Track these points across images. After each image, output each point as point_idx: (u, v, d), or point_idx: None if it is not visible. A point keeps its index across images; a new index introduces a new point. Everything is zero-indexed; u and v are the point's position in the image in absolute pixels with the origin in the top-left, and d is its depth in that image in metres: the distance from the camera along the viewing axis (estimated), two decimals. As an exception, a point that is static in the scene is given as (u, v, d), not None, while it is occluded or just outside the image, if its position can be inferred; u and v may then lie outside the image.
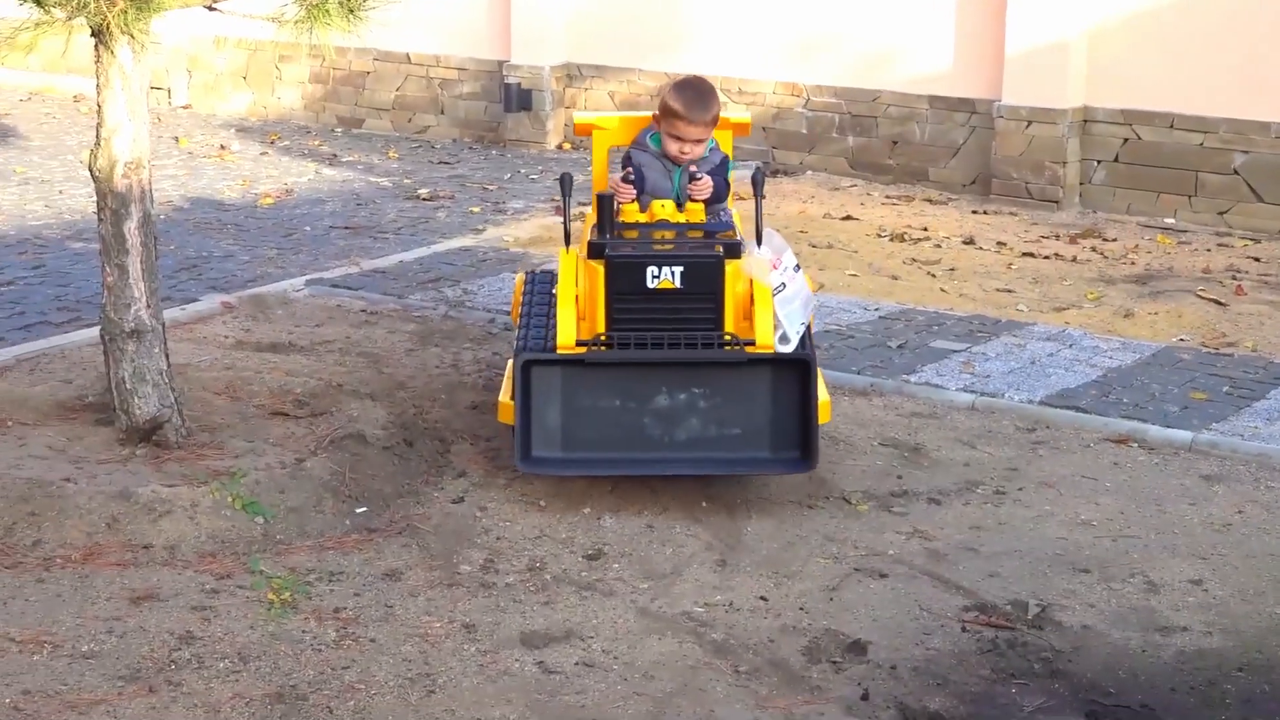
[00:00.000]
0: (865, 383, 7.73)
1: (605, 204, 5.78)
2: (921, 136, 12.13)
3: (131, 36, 6.06)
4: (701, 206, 5.95)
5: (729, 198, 6.41)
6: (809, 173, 12.47)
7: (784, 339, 5.63)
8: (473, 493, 6.52)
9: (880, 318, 8.88)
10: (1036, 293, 9.53)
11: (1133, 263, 10.30)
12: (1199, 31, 10.99)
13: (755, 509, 6.23)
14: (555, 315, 5.75)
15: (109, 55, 6.14)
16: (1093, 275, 10.01)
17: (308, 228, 10.72)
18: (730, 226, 6.00)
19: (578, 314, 5.59)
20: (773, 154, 12.62)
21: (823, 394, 5.94)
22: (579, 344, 5.54)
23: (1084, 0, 11.28)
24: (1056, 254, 10.46)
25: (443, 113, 13.86)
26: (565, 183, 6.06)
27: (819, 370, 5.89)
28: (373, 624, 5.45)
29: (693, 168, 6.05)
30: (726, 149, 6.52)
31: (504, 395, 5.95)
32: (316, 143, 13.58)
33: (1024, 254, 10.44)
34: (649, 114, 6.44)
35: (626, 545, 5.97)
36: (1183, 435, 7.12)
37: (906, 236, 10.75)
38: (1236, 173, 10.98)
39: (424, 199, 11.64)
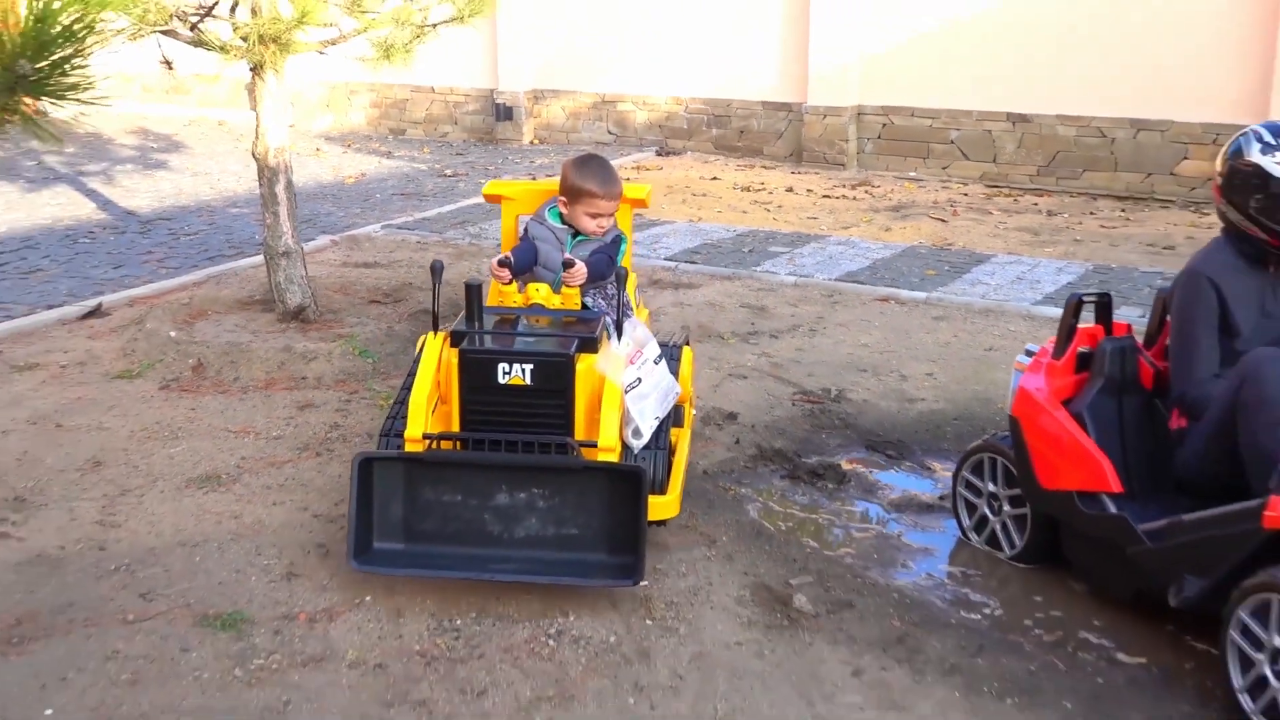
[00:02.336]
0: (729, 272, 7.89)
1: (473, 293, 3.97)
2: (758, 127, 12.22)
3: (275, 70, 6.21)
4: (577, 291, 4.21)
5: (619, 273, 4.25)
6: (688, 153, 12.52)
7: (636, 433, 3.99)
8: None
9: (736, 235, 9.02)
10: (832, 219, 9.65)
11: (890, 200, 10.40)
12: (928, 55, 11.05)
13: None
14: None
15: (262, 81, 6.22)
16: (865, 207, 10.12)
17: (377, 195, 10.81)
18: (600, 314, 4.16)
19: (440, 398, 3.96)
20: (666, 142, 12.68)
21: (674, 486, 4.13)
22: (427, 437, 3.83)
23: (856, 37, 11.33)
24: (843, 195, 10.57)
25: (456, 123, 13.89)
26: (436, 271, 4.12)
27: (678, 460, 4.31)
28: None
29: (567, 255, 4.26)
30: (625, 225, 4.69)
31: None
32: (376, 145, 13.56)
33: (824, 196, 10.55)
34: (552, 184, 4.62)
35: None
36: (920, 295, 7.33)
37: (750, 188, 10.84)
38: (953, 142, 11.18)
39: (448, 175, 11.72)
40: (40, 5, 1.93)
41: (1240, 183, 3.80)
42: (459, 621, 3.72)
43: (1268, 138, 3.79)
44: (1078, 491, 3.86)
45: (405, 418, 3.92)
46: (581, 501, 3.78)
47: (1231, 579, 3.33)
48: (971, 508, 4.36)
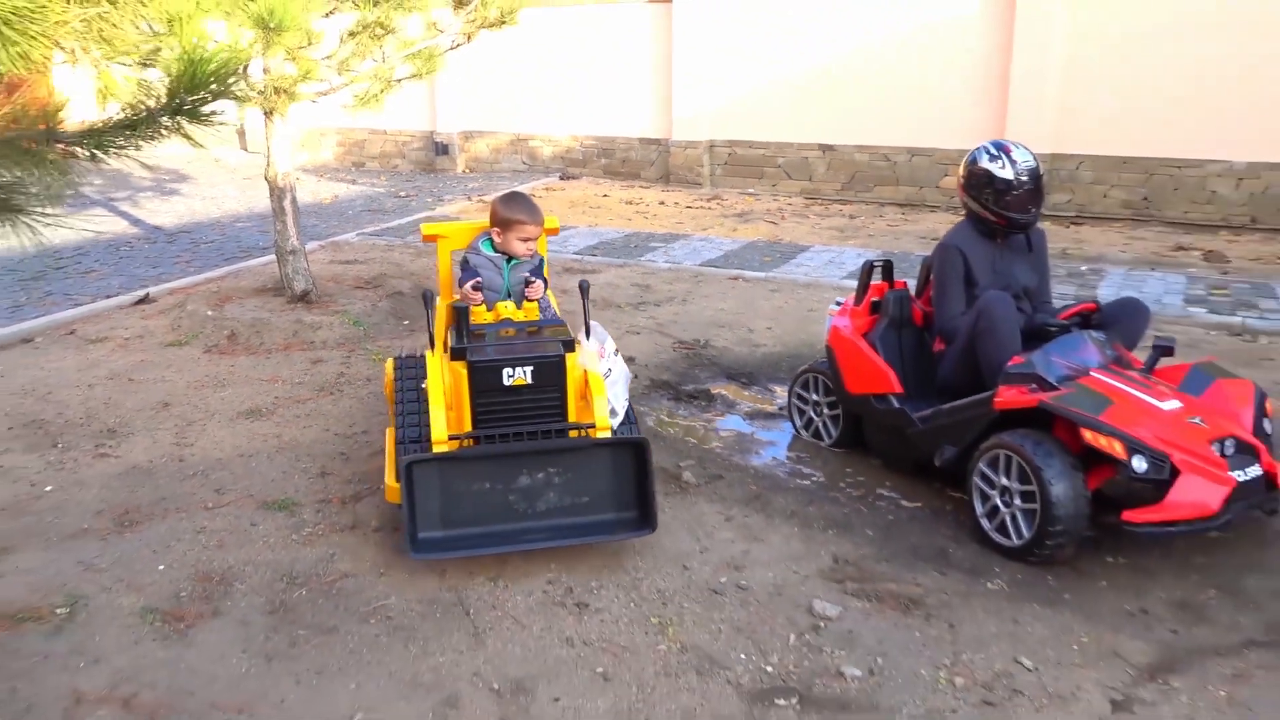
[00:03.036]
0: (620, 261, 8.12)
1: (461, 314, 3.71)
2: (636, 157, 12.43)
3: (282, 114, 6.39)
4: (536, 304, 3.97)
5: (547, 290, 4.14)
6: (584, 177, 12.69)
7: (613, 413, 3.83)
8: None
9: (625, 235, 9.22)
10: (694, 223, 9.87)
11: (735, 209, 10.63)
12: (760, 102, 11.33)
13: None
14: (426, 409, 3.72)
15: (271, 123, 6.43)
16: (718, 215, 10.33)
17: (349, 211, 10.78)
18: (559, 321, 3.89)
19: (446, 406, 3.62)
20: (567, 169, 12.86)
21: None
22: (454, 438, 3.56)
23: (709, 90, 11.60)
24: (701, 207, 10.75)
25: (404, 157, 13.90)
26: (428, 299, 3.90)
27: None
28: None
29: (526, 273, 4.03)
30: (542, 249, 4.24)
31: (389, 478, 3.75)
32: (343, 175, 13.45)
33: (687, 207, 10.72)
34: (479, 223, 4.28)
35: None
36: (760, 274, 7.63)
37: (633, 202, 11.01)
38: (780, 167, 11.53)
39: (402, 196, 11.75)
40: (194, 52, 2.22)
41: (975, 181, 4.29)
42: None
43: (993, 150, 4.29)
44: (873, 394, 4.34)
45: (419, 427, 3.76)
46: (591, 473, 3.54)
47: (974, 444, 3.83)
48: (801, 412, 4.80)
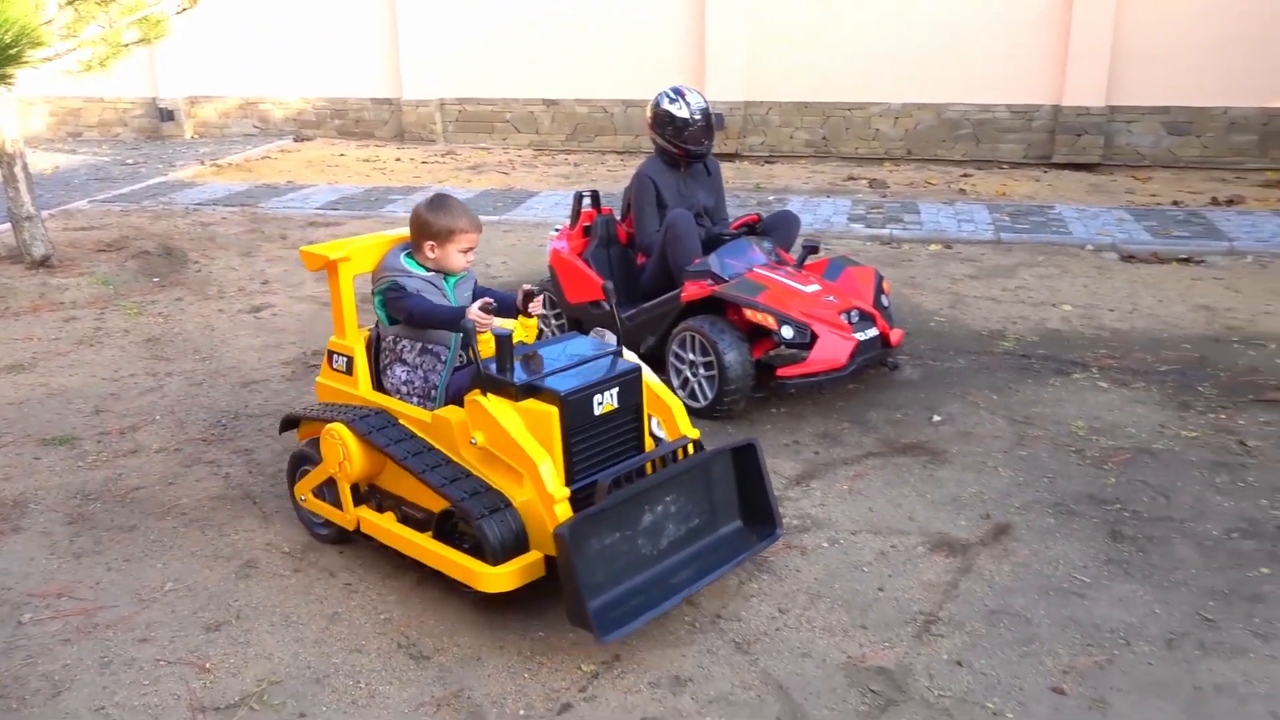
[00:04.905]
0: (363, 213, 8.40)
1: (505, 345, 2.94)
2: (370, 117, 12.40)
3: (9, 83, 6.31)
4: (536, 321, 3.56)
5: None
6: (318, 139, 12.58)
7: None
8: (210, 264, 7.07)
9: (365, 190, 9.40)
10: (431, 176, 10.18)
11: (469, 162, 11.00)
12: (487, 61, 11.69)
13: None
14: (470, 469, 3.01)
15: None
16: (453, 168, 10.66)
17: (75, 181, 10.31)
18: (574, 335, 3.40)
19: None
20: (300, 131, 12.72)
21: None
22: (578, 493, 2.93)
23: (438, 49, 11.79)
24: (437, 162, 11.00)
25: (126, 125, 13.32)
26: (469, 334, 3.03)
27: None
28: (179, 318, 6.05)
29: (528, 286, 3.29)
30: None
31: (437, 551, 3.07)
32: (60, 146, 12.76)
33: (423, 163, 10.95)
34: (379, 239, 3.48)
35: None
36: (496, 218, 8.12)
37: (370, 160, 11.11)
38: (508, 121, 11.91)
39: (129, 164, 11.33)
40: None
41: (659, 121, 5.13)
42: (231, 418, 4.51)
43: (672, 94, 5.14)
44: (589, 302, 5.12)
45: (479, 491, 2.95)
46: (695, 490, 3.07)
47: (668, 331, 4.68)
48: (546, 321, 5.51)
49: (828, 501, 3.78)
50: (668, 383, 4.63)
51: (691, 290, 4.60)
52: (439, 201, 3.31)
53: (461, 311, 3.12)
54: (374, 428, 3.17)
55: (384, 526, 3.21)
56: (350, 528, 3.31)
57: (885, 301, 4.89)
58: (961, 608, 3.10)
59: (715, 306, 4.60)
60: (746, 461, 3.15)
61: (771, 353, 4.59)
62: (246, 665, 2.93)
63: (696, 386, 4.53)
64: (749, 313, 4.45)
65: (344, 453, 3.19)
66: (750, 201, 8.53)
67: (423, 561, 3.12)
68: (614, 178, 10.05)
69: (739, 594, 3.18)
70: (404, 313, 3.24)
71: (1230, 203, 8.32)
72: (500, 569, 2.87)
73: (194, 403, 4.75)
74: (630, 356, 3.25)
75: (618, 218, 5.39)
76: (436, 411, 3.16)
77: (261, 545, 3.56)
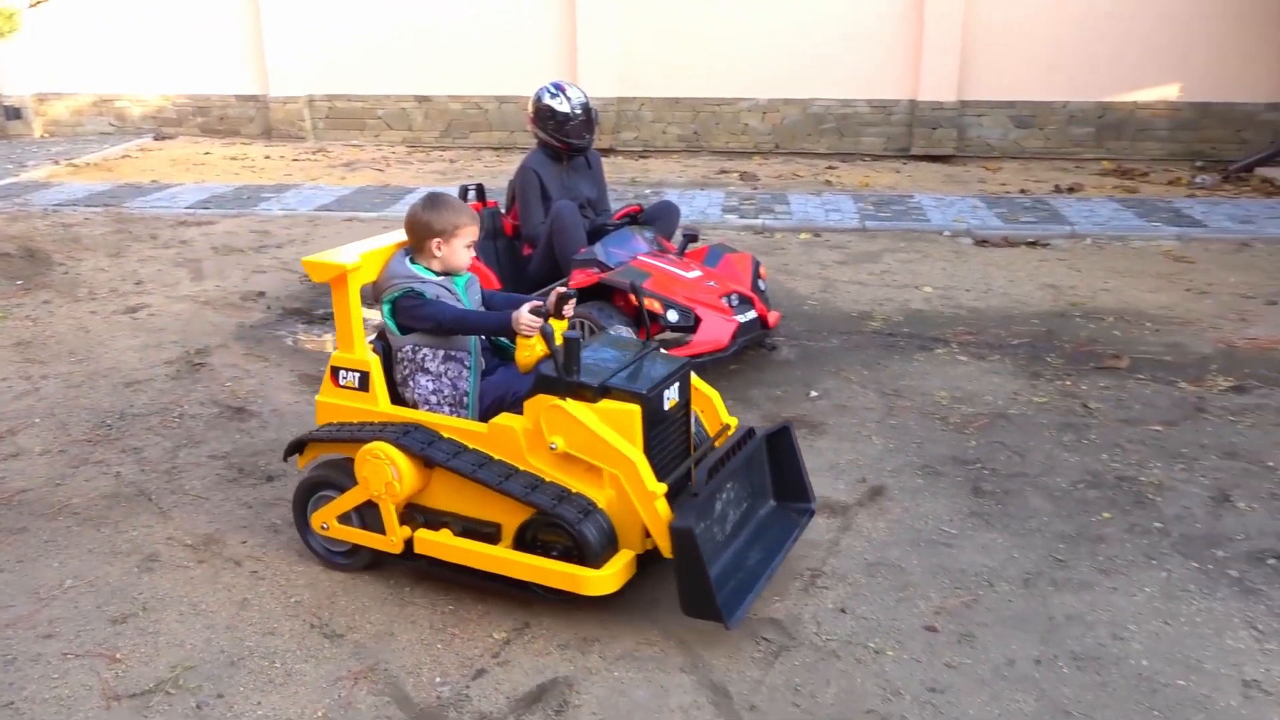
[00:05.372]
0: (236, 212, 8.25)
1: (574, 347, 2.88)
2: (235, 115, 12.12)
3: None
4: (566, 324, 3.27)
5: None
6: (180, 137, 12.21)
7: None
8: (83, 266, 6.86)
9: (235, 189, 9.20)
10: (303, 174, 10.01)
11: (342, 160, 10.84)
12: (357, 57, 11.59)
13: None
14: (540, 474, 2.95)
15: None
16: (325, 166, 10.48)
17: None
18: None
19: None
20: (161, 130, 12.39)
21: None
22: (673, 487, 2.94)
23: (305, 44, 11.58)
24: (308, 159, 10.86)
25: None
26: (571, 347, 2.89)
27: None
28: (48, 321, 5.89)
29: (561, 289, 3.23)
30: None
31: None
32: None
33: (294, 160, 10.80)
34: (389, 243, 3.29)
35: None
36: (374, 214, 8.11)
37: (238, 158, 10.87)
38: (380, 118, 11.80)
39: None
40: None
41: (541, 115, 5.27)
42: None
43: (553, 89, 5.29)
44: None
45: (565, 496, 2.91)
46: (749, 473, 3.19)
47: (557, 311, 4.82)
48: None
49: (716, 473, 3.99)
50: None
51: (579, 278, 4.76)
52: (435, 200, 3.20)
53: (508, 316, 3.03)
54: (425, 443, 2.99)
55: (449, 544, 3.02)
56: (396, 550, 3.09)
57: (762, 285, 5.16)
58: (843, 562, 3.36)
59: (602, 294, 4.77)
60: (781, 443, 3.26)
61: (657, 336, 4.79)
62: (158, 653, 2.96)
63: (587, 371, 4.69)
64: (635, 298, 4.62)
65: (394, 472, 2.98)
66: (628, 195, 8.74)
67: (500, 574, 2.98)
68: (491, 174, 10.10)
69: (638, 560, 3.37)
70: (429, 320, 3.10)
71: (1071, 190, 8.96)
72: (605, 572, 2.85)
73: (74, 404, 4.67)
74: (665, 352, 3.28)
75: (503, 211, 5.50)
76: (495, 421, 3.00)
77: (162, 539, 3.57)
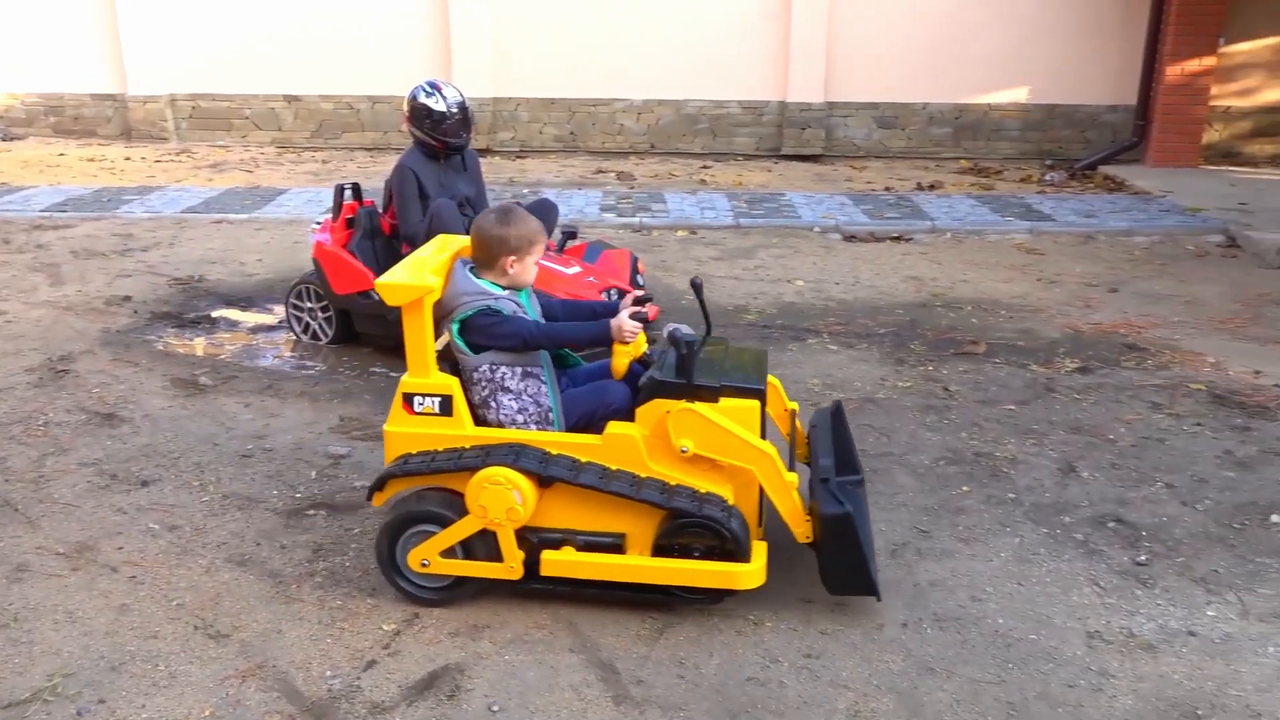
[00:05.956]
0: (96, 215, 7.93)
1: (694, 350, 2.94)
2: (91, 114, 11.62)
3: None
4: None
5: None
6: (30, 138, 11.66)
7: None
8: None
9: (94, 191, 8.83)
10: (167, 176, 9.68)
11: (208, 161, 10.53)
12: (223, 54, 11.26)
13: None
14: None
15: None
16: (190, 167, 10.20)
17: None
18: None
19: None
20: (8, 130, 11.81)
21: None
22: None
23: (166, 41, 11.21)
24: (172, 160, 10.52)
25: None
26: (684, 342, 2.94)
27: None
28: None
29: (639, 291, 3.44)
30: None
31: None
32: None
33: (156, 162, 10.38)
34: (445, 257, 3.13)
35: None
36: (244, 216, 7.92)
37: (95, 160, 10.45)
38: (248, 118, 11.50)
39: None
40: None
41: (417, 114, 5.28)
42: None
43: (428, 88, 5.31)
44: (358, 293, 5.20)
45: (701, 498, 2.95)
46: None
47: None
48: (299, 319, 5.51)
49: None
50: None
51: (460, 276, 4.79)
52: (510, 214, 3.09)
53: (605, 325, 3.04)
54: (543, 462, 2.92)
55: (582, 561, 2.97)
56: (516, 576, 3.00)
57: (641, 280, 5.30)
58: (723, 541, 3.50)
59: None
60: (837, 419, 3.35)
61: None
62: (33, 663, 2.89)
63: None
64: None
65: (517, 496, 2.88)
66: (505, 195, 8.78)
67: (643, 583, 2.98)
68: (365, 174, 9.98)
69: (526, 548, 3.45)
70: (514, 338, 3.00)
71: (932, 188, 9.41)
72: (756, 565, 2.92)
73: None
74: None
75: (380, 210, 5.48)
76: (610, 431, 2.96)
77: (31, 549, 3.47)
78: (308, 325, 5.47)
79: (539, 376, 3.09)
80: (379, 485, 3.08)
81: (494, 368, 3.06)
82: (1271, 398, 4.67)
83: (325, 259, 5.27)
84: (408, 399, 3.03)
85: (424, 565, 3.04)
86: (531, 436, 3.02)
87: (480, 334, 3.04)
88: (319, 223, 5.46)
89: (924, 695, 2.76)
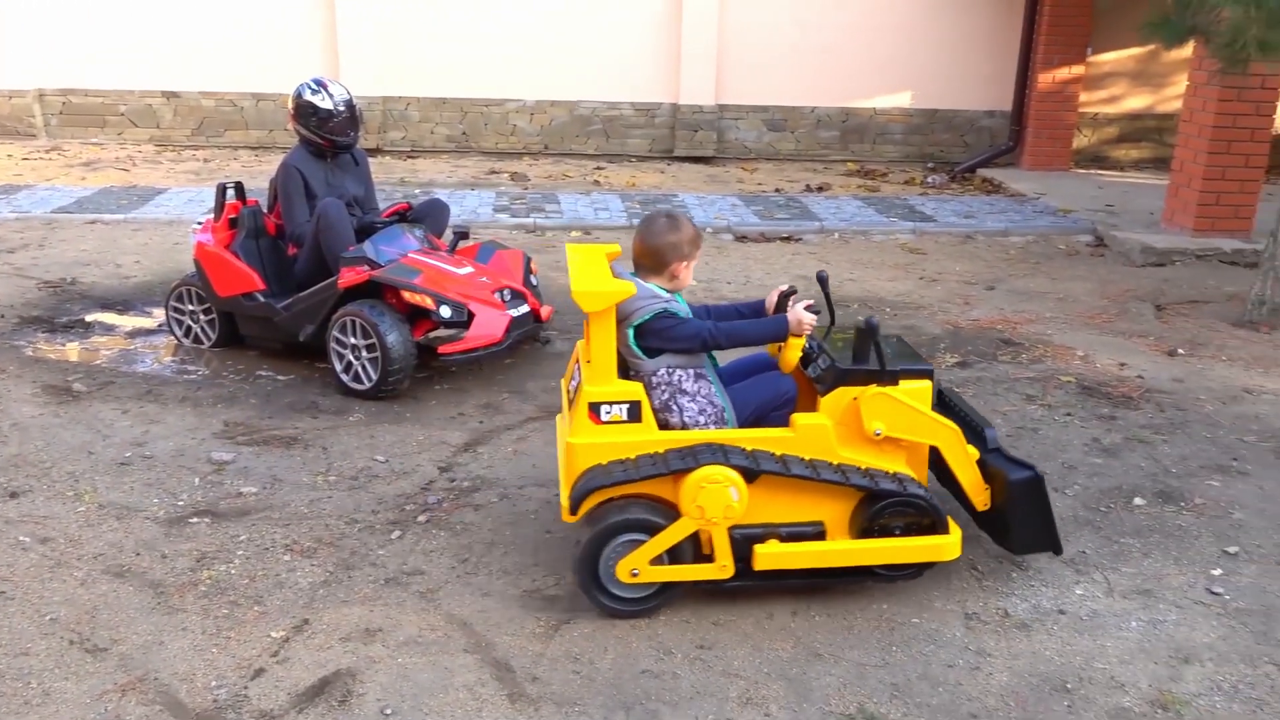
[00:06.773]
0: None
1: (876, 335, 3.03)
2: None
3: None
4: None
5: None
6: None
7: None
8: None
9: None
10: (36, 174, 9.25)
11: (81, 158, 10.10)
12: (97, 47, 10.89)
13: None
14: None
15: None
16: (62, 165, 9.75)
17: None
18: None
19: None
20: None
21: None
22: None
23: (33, 33, 10.86)
24: (41, 158, 10.05)
25: None
26: (872, 328, 3.01)
27: None
28: None
29: (784, 287, 3.26)
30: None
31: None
32: None
33: (24, 159, 9.95)
34: (604, 249, 3.31)
35: None
36: (120, 216, 7.61)
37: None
38: (123, 114, 11.10)
39: None
40: None
41: (302, 112, 5.17)
42: None
43: (314, 86, 5.21)
44: (242, 294, 5.08)
45: (897, 478, 3.04)
46: None
47: (328, 318, 4.77)
48: (180, 322, 5.35)
49: (495, 463, 4.11)
50: (331, 368, 4.74)
51: (349, 276, 4.73)
52: (677, 220, 3.13)
53: (782, 320, 3.06)
54: (751, 459, 2.92)
55: (795, 552, 3.01)
56: (727, 575, 3.01)
57: (534, 281, 5.29)
58: (618, 538, 3.53)
59: (373, 291, 4.76)
60: (944, 394, 3.46)
61: (431, 334, 4.84)
62: (-109, 686, 2.74)
63: (360, 369, 4.67)
64: (407, 295, 4.66)
65: (734, 494, 2.89)
66: (396, 195, 8.66)
67: (854, 565, 3.06)
68: (249, 173, 9.75)
69: (416, 550, 3.43)
70: (693, 339, 3.03)
71: (820, 189, 9.64)
72: (955, 536, 3.04)
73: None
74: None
75: (265, 209, 5.36)
76: (799, 422, 2.99)
77: (-111, 566, 3.28)
78: (189, 329, 5.32)
79: (706, 377, 3.13)
80: (582, 497, 2.95)
81: (670, 370, 3.08)
82: (1135, 388, 4.93)
83: (207, 260, 5.13)
84: (594, 408, 2.95)
85: (634, 575, 2.99)
86: (723, 435, 3.01)
87: (658, 337, 3.05)
88: (200, 223, 5.32)
89: (812, 680, 2.84)
